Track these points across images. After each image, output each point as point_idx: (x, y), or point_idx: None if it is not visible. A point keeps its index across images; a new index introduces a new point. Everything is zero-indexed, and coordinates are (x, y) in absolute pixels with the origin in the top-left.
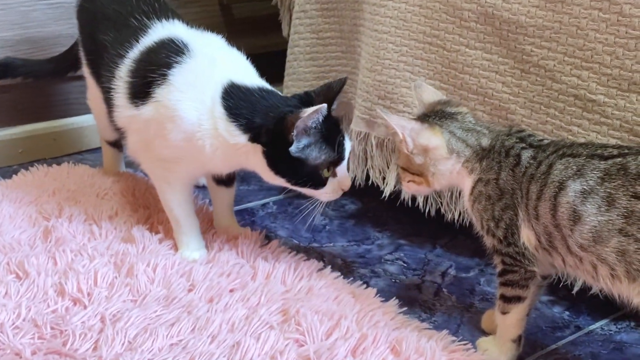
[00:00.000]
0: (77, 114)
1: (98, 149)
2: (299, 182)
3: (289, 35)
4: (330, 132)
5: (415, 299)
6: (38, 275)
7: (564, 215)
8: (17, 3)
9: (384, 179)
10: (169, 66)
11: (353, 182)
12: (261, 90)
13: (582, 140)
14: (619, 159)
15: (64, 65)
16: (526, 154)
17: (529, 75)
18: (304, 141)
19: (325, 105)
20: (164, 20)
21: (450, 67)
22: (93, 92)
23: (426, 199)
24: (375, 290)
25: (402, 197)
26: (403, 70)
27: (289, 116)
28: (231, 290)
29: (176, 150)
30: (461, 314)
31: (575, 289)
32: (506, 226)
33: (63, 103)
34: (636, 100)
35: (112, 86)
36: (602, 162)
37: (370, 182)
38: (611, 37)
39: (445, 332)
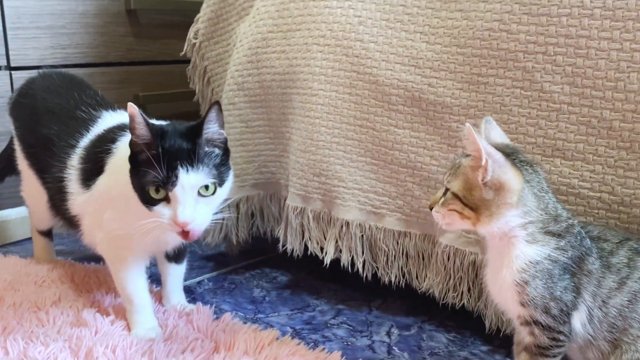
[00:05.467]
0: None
1: (23, 241)
2: (136, 193)
3: None
4: (165, 155)
5: (372, 359)
6: None
7: None
8: None
9: (321, 249)
10: (114, 141)
11: (291, 254)
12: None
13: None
14: None
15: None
16: (587, 242)
17: (455, 149)
18: (138, 155)
19: (134, 110)
20: (110, 111)
21: (381, 145)
22: (29, 183)
23: (363, 263)
24: (340, 353)
25: (325, 264)
26: (336, 149)
27: None
28: None
29: (124, 223)
30: None
31: None
32: (566, 307)
33: None
34: (560, 163)
35: (64, 175)
36: None
37: (291, 255)
38: (533, 110)
39: None
